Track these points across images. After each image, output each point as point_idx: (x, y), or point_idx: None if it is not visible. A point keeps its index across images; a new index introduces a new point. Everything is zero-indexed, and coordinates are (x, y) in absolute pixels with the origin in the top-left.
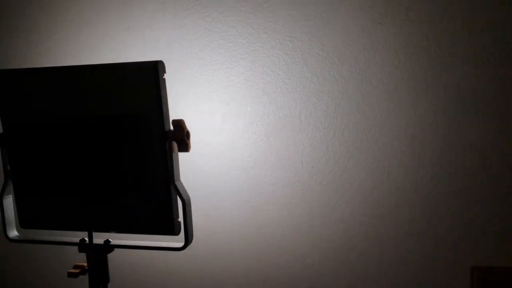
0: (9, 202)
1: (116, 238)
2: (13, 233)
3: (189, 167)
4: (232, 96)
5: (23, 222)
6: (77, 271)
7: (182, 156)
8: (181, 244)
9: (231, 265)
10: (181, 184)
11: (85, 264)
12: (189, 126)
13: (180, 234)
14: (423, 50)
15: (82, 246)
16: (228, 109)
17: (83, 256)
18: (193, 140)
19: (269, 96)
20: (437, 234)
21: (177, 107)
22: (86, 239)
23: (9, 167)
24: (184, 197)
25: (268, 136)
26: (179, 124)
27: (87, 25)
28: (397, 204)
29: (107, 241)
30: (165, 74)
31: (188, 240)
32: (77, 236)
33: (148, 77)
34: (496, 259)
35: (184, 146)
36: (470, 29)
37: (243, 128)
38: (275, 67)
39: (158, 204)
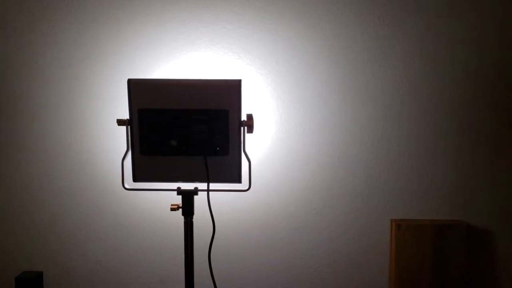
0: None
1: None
2: (128, 185)
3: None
4: None
5: (136, 177)
6: (175, 207)
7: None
8: (246, 187)
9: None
10: (247, 152)
11: (179, 203)
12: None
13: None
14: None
15: (179, 191)
16: None
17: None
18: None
19: None
20: (369, 196)
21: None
22: (181, 187)
23: (130, 141)
24: (250, 159)
25: None
26: (249, 116)
27: None
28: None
29: (196, 188)
30: (242, 87)
31: (250, 185)
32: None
33: (234, 88)
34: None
35: (251, 129)
36: None
37: None
38: None
39: (233, 164)
